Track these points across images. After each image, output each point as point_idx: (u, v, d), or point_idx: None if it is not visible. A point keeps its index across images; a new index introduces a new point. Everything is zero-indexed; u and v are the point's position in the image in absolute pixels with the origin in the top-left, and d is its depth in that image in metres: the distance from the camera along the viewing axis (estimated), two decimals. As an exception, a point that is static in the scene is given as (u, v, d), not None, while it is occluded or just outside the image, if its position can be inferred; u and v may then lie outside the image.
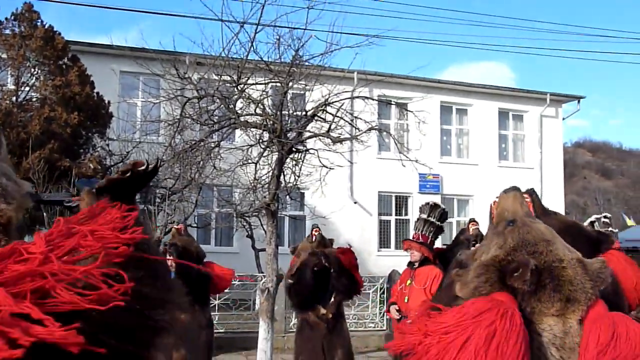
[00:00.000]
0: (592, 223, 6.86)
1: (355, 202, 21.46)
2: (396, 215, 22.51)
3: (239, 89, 10.52)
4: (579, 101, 25.10)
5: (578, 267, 2.50)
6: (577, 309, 2.42)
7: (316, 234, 7.35)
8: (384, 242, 21.85)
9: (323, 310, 6.99)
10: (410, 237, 7.22)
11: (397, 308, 6.86)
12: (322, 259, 6.98)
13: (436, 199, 21.08)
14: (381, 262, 18.81)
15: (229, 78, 10.67)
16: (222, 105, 10.78)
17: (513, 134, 24.76)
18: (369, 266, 17.78)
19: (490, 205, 3.03)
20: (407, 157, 11.43)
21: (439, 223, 7.03)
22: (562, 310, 2.43)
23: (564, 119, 25.68)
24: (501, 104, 24.24)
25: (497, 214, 2.85)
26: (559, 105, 25.22)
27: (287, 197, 14.03)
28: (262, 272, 13.71)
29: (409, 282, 6.86)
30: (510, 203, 2.83)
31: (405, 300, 6.76)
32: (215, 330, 12.51)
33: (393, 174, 19.48)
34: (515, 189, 2.93)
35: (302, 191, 17.32)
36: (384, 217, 22.43)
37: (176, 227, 7.30)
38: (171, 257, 6.93)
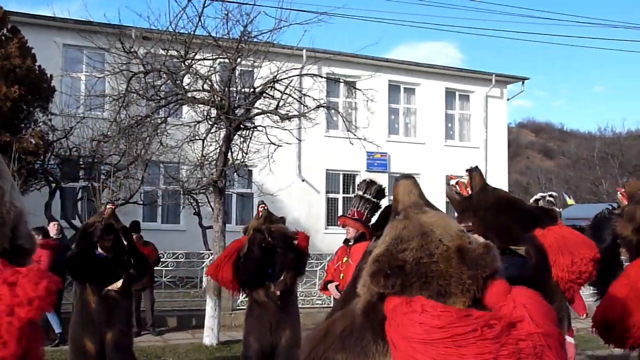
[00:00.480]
0: (537, 201, 6.98)
1: (303, 180, 21.48)
2: (344, 193, 22.61)
3: (186, 64, 10.40)
4: (523, 82, 25.52)
5: (454, 258, 2.42)
6: (456, 301, 2.38)
7: (262, 210, 7.28)
8: (331, 220, 21.94)
9: (272, 288, 6.94)
10: (347, 214, 7.22)
11: (337, 284, 6.87)
12: (266, 235, 6.91)
13: (384, 177, 21.30)
14: (328, 239, 18.90)
15: (176, 53, 10.53)
16: (168, 81, 10.65)
17: (459, 113, 25.06)
18: (316, 243, 17.87)
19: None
20: (355, 135, 11.50)
21: (375, 200, 7.03)
22: None
23: (508, 99, 26.13)
24: (448, 84, 24.49)
25: (393, 204, 2.79)
26: (504, 86, 25.61)
27: (235, 174, 13.95)
28: (209, 250, 13.66)
29: (345, 259, 6.87)
30: (400, 192, 2.75)
31: (341, 277, 6.79)
32: (162, 308, 12.49)
33: (341, 152, 19.56)
34: (406, 177, 2.83)
35: (249, 168, 17.24)
36: (331, 195, 22.52)
37: (111, 206, 7.09)
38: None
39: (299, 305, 12.98)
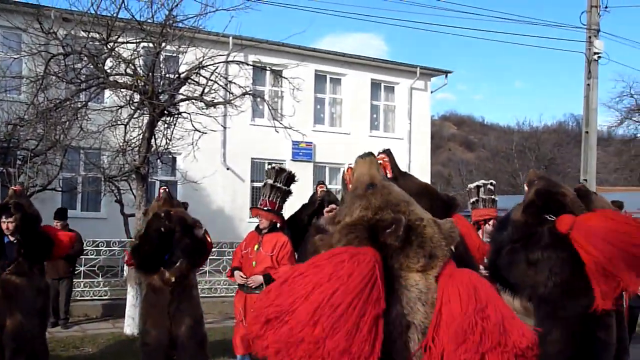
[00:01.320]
0: (478, 187, 7.24)
1: (227, 168, 21.31)
2: (269, 182, 22.57)
3: (109, 47, 10.12)
4: (446, 75, 26.02)
5: (435, 226, 2.65)
6: (436, 265, 2.56)
7: (162, 192, 7.10)
8: (256, 209, 21.86)
9: (167, 274, 6.75)
10: (258, 204, 7.15)
11: (242, 274, 6.83)
12: (163, 218, 6.75)
13: (309, 166, 21.41)
14: (252, 228, 18.81)
15: (97, 36, 10.23)
16: (90, 64, 10.34)
17: (384, 104, 25.35)
18: (239, 232, 17.75)
19: (343, 172, 3.12)
20: (280, 123, 11.49)
21: (285, 187, 7.03)
22: (425, 267, 2.55)
23: (432, 92, 26.59)
24: (374, 75, 24.72)
25: (356, 178, 2.96)
26: (428, 79, 26.04)
27: (158, 160, 13.70)
28: (131, 238, 13.37)
29: (256, 247, 6.85)
30: (367, 167, 2.96)
31: (253, 265, 6.77)
32: (81, 298, 12.18)
33: (266, 140, 19.50)
34: (370, 154, 3.09)
35: (173, 156, 16.98)
36: (256, 184, 22.36)
37: (14, 188, 6.86)
38: (16, 218, 6.58)
39: (204, 294, 12.90)
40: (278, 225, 6.97)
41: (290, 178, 7.07)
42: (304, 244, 6.48)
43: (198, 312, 6.94)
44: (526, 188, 5.04)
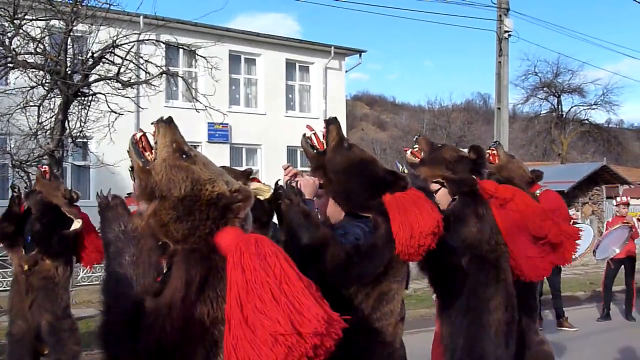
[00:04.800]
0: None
1: (142, 152, 20.81)
2: (185, 164, 22.22)
3: (16, 24, 9.65)
4: (360, 55, 26.17)
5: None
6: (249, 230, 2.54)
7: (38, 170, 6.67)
8: (172, 193, 21.49)
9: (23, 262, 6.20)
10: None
11: None
12: (21, 195, 6.35)
13: (225, 148, 21.20)
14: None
15: (2, 12, 9.76)
16: (-5, 43, 9.86)
17: (299, 84, 25.33)
18: (158, 216, 17.43)
19: (133, 138, 2.67)
20: (200, 102, 11.32)
21: None
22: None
23: (346, 71, 26.75)
24: (288, 55, 24.62)
25: (161, 145, 2.61)
26: (342, 58, 26.14)
27: (72, 144, 13.19)
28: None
29: None
30: (172, 134, 2.65)
31: None
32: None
33: (182, 122, 18.79)
34: (170, 119, 2.72)
35: (85, 140, 16.38)
36: (172, 167, 22.03)
37: None
38: None
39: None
40: None
41: None
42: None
43: (59, 307, 6.29)
44: (410, 157, 4.82)
